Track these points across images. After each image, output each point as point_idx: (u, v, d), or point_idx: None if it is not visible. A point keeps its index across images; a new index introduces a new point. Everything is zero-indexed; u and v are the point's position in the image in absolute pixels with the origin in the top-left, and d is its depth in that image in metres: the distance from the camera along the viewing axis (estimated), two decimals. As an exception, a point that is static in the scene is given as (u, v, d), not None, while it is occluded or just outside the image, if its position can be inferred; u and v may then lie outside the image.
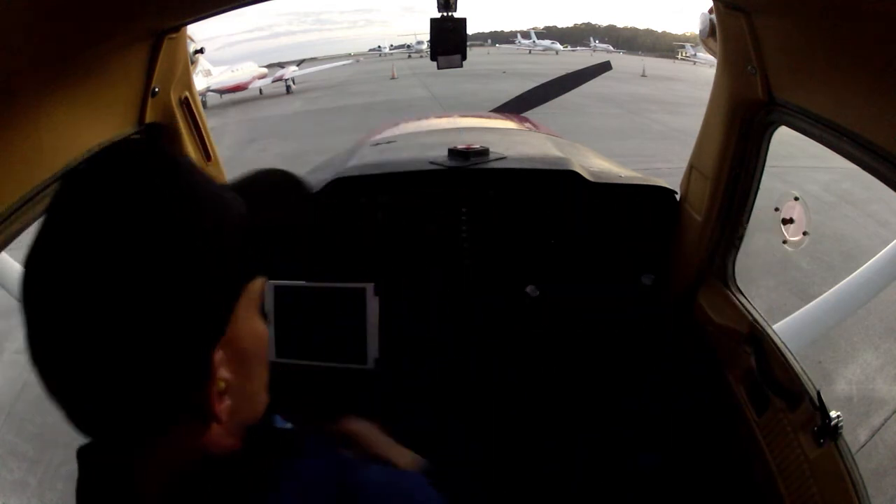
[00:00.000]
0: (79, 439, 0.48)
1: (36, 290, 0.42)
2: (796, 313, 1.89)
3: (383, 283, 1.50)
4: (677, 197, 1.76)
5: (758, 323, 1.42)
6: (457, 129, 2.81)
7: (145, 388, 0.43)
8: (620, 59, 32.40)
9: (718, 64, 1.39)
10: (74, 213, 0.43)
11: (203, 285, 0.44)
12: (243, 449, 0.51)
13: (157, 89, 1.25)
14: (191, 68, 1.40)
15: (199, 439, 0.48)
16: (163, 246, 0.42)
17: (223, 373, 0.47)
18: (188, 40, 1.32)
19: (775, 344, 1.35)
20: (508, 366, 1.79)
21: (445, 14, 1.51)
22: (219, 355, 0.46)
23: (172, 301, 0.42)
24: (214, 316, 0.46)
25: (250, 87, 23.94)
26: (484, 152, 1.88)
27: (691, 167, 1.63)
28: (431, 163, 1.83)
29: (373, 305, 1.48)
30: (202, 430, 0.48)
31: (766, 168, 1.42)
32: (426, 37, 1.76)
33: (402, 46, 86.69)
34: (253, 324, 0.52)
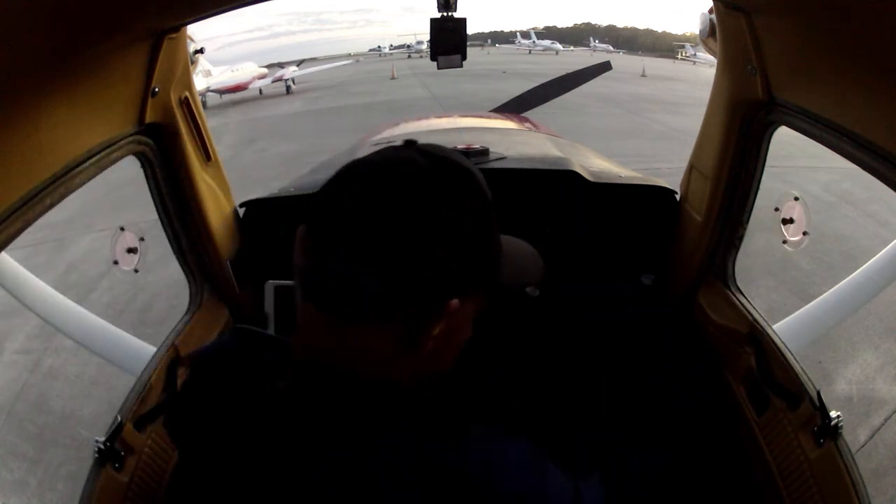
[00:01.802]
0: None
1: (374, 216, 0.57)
2: (796, 313, 1.88)
3: None
4: (677, 197, 1.76)
5: (758, 323, 1.41)
6: (457, 129, 2.81)
7: (409, 286, 0.57)
8: (620, 59, 32.40)
9: (718, 64, 1.39)
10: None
11: (477, 251, 0.60)
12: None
13: (157, 89, 1.24)
14: (191, 68, 1.40)
15: (402, 365, 0.61)
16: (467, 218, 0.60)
17: (442, 324, 0.59)
18: (188, 40, 1.32)
19: (775, 344, 1.35)
20: (508, 366, 1.79)
21: (445, 14, 1.51)
22: (454, 304, 0.59)
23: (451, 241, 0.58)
24: (464, 274, 0.59)
25: (250, 87, 23.91)
26: (484, 152, 1.87)
27: (691, 167, 1.63)
28: None
29: None
30: (406, 356, 0.61)
31: (766, 168, 1.42)
32: (426, 37, 1.76)
33: (401, 46, 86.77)
34: (467, 319, 0.66)
